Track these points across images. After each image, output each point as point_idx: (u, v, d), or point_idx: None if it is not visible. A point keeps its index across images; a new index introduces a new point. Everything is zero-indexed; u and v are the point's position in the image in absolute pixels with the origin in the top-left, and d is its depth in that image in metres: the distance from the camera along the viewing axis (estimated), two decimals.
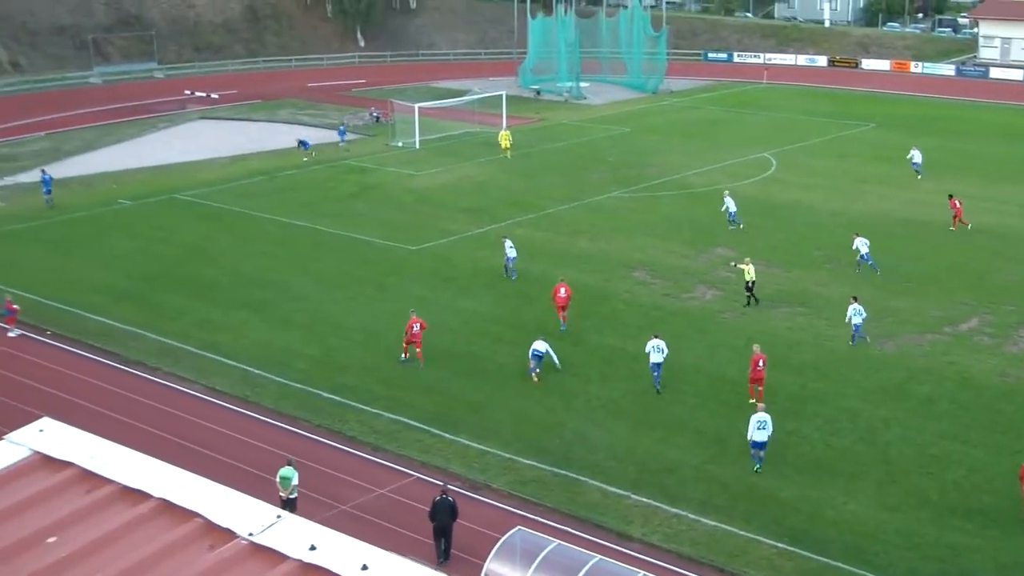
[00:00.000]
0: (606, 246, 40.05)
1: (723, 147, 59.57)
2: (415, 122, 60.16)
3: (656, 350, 27.27)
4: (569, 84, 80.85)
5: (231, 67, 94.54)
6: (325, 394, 27.50)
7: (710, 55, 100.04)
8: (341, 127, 62.85)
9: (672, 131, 65.11)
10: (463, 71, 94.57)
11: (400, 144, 60.93)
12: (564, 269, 37.01)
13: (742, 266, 33.27)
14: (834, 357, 29.66)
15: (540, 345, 28.05)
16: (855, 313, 30.02)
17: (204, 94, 77.69)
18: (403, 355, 29.34)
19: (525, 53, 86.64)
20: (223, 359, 29.80)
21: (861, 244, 36.41)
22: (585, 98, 79.61)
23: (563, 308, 31.67)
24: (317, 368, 29.20)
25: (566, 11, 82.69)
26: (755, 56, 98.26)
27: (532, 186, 50.65)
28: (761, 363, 26.25)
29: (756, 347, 26.94)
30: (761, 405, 24.05)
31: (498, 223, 43.41)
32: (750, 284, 33.09)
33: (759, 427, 23.30)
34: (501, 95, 66.47)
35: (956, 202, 42.02)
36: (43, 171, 48.56)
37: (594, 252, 39.37)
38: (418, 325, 29.24)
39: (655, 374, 27.30)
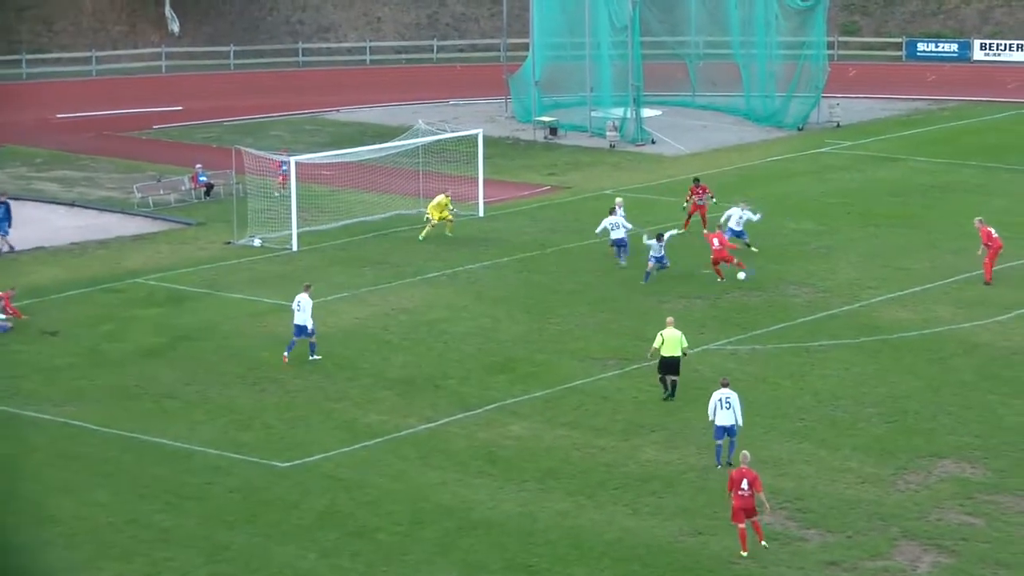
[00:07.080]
0: (697, 457, 40.69)
1: (951, 244, 60.64)
2: (291, 194, 61.64)
3: (723, 404, 39.93)
4: (619, 112, 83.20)
5: None
6: None
7: (919, 47, 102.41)
8: (2, 201, 62.15)
9: (841, 211, 66.34)
10: (394, 86, 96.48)
11: (257, 242, 62.36)
12: (603, 506, 37.65)
13: (667, 334, 44.23)
14: None
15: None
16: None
17: None
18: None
19: (526, 50, 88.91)
20: None
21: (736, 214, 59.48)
22: (654, 141, 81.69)
23: (717, 264, 55.91)
24: None
25: None
26: (1022, 47, 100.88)
27: (539, 327, 51.69)
28: (745, 484, 34.81)
29: (745, 455, 35.71)
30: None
31: (469, 408, 44.24)
32: (670, 362, 43.98)
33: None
34: (475, 135, 68.37)
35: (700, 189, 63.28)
36: None
37: (669, 468, 40.04)
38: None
39: (718, 442, 39.87)
